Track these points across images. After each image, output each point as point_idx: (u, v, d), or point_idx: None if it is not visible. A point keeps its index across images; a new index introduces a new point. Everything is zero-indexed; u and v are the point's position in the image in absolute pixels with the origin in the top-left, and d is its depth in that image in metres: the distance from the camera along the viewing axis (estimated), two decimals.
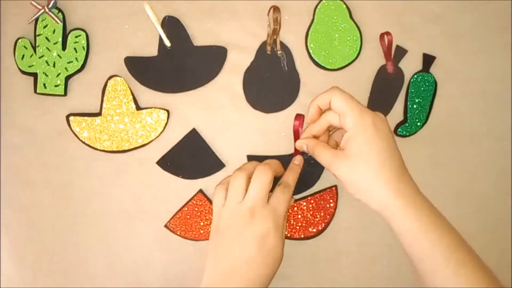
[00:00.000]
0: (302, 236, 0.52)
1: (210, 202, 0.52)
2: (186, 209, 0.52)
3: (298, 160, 0.49)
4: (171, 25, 0.52)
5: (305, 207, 0.52)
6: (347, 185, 0.43)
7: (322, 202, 0.52)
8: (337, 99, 0.43)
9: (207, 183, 0.52)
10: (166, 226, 0.52)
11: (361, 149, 0.42)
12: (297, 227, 0.52)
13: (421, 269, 0.41)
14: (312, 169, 0.52)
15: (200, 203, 0.52)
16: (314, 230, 0.52)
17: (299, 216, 0.52)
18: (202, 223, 0.52)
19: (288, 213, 0.52)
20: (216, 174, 0.52)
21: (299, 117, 0.48)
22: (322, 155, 0.44)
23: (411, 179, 0.44)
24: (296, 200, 0.52)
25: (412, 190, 0.43)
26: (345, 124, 0.43)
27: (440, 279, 0.40)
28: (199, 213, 0.52)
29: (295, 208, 0.52)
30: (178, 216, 0.52)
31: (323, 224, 0.52)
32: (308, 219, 0.52)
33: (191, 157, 0.52)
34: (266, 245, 0.42)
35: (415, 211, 0.41)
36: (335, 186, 0.52)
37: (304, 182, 0.52)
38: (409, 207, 0.41)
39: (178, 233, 0.52)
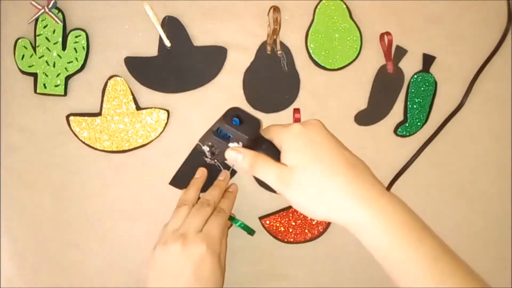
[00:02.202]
0: (305, 239, 0.52)
1: None
2: None
3: (222, 176, 0.49)
4: (171, 25, 0.52)
5: None
6: (299, 205, 0.39)
7: None
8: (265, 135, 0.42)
9: None
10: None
11: (301, 160, 0.38)
12: (298, 231, 0.52)
13: (400, 282, 0.37)
14: None
15: None
16: (315, 232, 0.52)
17: (300, 221, 0.52)
18: None
19: (289, 218, 0.52)
20: (230, 182, 0.52)
21: (298, 110, 0.49)
22: (264, 169, 0.40)
23: (374, 178, 0.39)
24: None
25: (378, 193, 0.37)
26: (277, 143, 0.41)
27: None
28: None
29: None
30: None
31: (324, 225, 0.52)
32: (309, 222, 0.52)
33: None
34: (203, 271, 0.40)
35: (384, 222, 0.36)
36: None
37: None
38: (376, 217, 0.36)
39: None
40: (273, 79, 0.52)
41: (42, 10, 0.51)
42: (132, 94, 0.52)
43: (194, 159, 0.51)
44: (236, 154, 0.41)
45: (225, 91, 0.53)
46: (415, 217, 0.39)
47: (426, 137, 0.53)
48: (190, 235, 0.42)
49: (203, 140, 0.45)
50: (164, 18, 0.52)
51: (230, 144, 0.42)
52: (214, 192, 0.47)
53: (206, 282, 0.41)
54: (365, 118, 0.53)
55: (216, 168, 0.50)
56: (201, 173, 0.50)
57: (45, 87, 0.52)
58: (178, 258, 0.41)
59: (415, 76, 0.53)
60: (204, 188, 0.50)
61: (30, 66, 0.52)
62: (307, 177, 0.38)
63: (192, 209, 0.45)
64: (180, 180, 0.52)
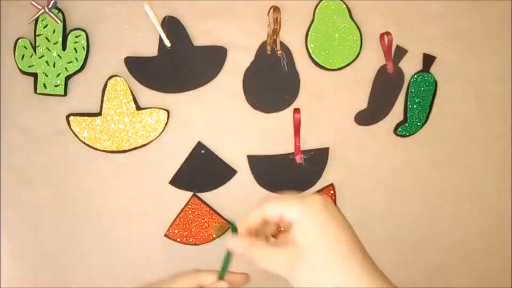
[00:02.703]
0: None
1: (206, 204, 0.52)
2: (181, 215, 0.52)
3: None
4: (171, 25, 0.52)
5: None
6: None
7: None
8: (271, 207, 0.34)
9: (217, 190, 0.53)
10: (166, 235, 0.53)
11: (318, 240, 0.32)
12: None
13: None
14: (313, 167, 0.52)
15: (196, 207, 0.52)
16: None
17: None
18: (194, 229, 0.52)
19: None
20: (230, 182, 0.52)
21: (298, 110, 0.49)
22: (265, 257, 0.34)
23: (377, 267, 0.35)
24: None
25: (386, 282, 0.34)
26: (289, 217, 0.33)
27: None
28: (196, 217, 0.52)
29: None
30: (176, 223, 0.52)
31: None
32: None
33: (201, 171, 0.52)
34: None
35: None
36: (331, 184, 0.52)
37: (305, 180, 0.52)
38: None
39: (179, 240, 0.52)
40: (273, 79, 0.52)
41: (42, 10, 0.51)
42: (132, 94, 0.52)
43: (194, 159, 0.51)
44: (234, 245, 0.36)
45: (225, 91, 0.53)
46: None
47: (426, 137, 0.53)
48: None
49: None
50: (164, 18, 0.52)
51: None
52: None
53: None
54: (365, 118, 0.53)
55: (217, 167, 0.51)
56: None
57: (45, 87, 0.52)
58: None
59: (415, 76, 0.52)
60: (206, 187, 0.50)
61: (30, 66, 0.52)
62: (324, 262, 0.32)
63: None
64: (180, 180, 0.52)
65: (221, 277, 0.40)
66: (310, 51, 0.52)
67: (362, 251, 0.34)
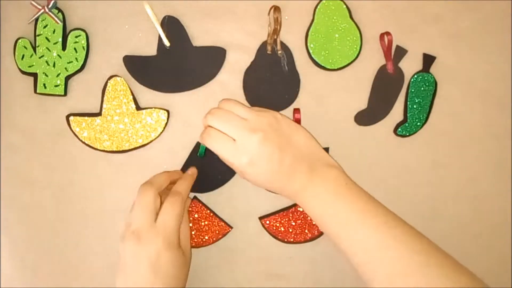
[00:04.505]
0: (305, 239, 0.52)
1: (206, 207, 0.52)
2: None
3: (191, 171, 0.49)
4: (171, 25, 0.52)
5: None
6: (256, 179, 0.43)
7: None
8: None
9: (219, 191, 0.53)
10: None
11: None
12: (298, 231, 0.52)
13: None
14: None
15: (195, 210, 0.52)
16: (316, 232, 0.52)
17: (300, 221, 0.52)
18: (194, 232, 0.52)
19: (289, 218, 0.52)
20: (230, 182, 0.52)
21: (298, 110, 0.49)
22: (221, 143, 0.43)
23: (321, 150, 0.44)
24: (294, 205, 0.52)
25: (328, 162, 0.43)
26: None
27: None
28: (196, 220, 0.52)
29: (295, 214, 0.52)
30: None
31: None
32: (309, 222, 0.52)
33: (201, 171, 0.51)
34: (160, 267, 0.40)
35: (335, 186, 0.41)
36: None
37: None
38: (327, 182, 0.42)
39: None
40: (273, 79, 0.52)
41: (42, 10, 0.51)
42: (132, 94, 0.52)
43: (195, 160, 0.51)
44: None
45: (225, 91, 0.53)
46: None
47: (426, 137, 0.53)
48: (143, 232, 0.41)
49: None
50: (164, 18, 0.52)
51: None
52: (182, 184, 0.47)
53: (166, 276, 0.40)
54: (365, 118, 0.53)
55: (218, 168, 0.51)
56: (192, 170, 0.50)
57: (45, 87, 0.52)
58: (135, 256, 0.41)
59: (415, 76, 0.53)
60: (199, 188, 0.50)
61: (30, 66, 0.52)
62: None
63: (165, 202, 0.44)
64: None
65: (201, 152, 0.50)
66: (310, 51, 0.52)
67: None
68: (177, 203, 0.43)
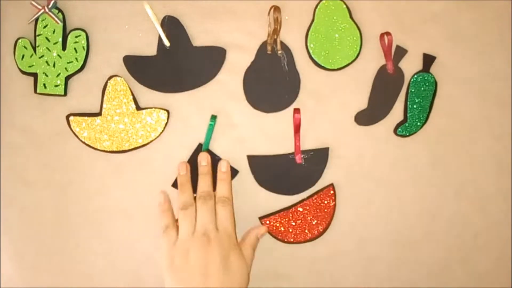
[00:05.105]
0: (305, 239, 0.52)
1: None
2: None
3: (225, 167, 0.50)
4: (171, 25, 0.52)
5: (306, 211, 0.52)
6: None
7: (321, 203, 0.52)
8: None
9: None
10: None
11: None
12: (298, 231, 0.52)
13: None
14: (313, 167, 0.52)
15: None
16: (315, 232, 0.52)
17: (300, 221, 0.52)
18: None
19: (289, 218, 0.52)
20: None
21: (298, 110, 0.49)
22: None
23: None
24: (294, 205, 0.52)
25: None
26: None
27: None
28: None
29: (295, 214, 0.52)
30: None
31: (324, 225, 0.52)
32: (309, 222, 0.52)
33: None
34: (230, 265, 0.44)
35: None
36: (332, 184, 0.52)
37: (305, 180, 0.52)
38: None
39: None
40: (273, 79, 0.52)
41: (42, 10, 0.51)
42: (132, 94, 0.52)
43: (195, 160, 0.51)
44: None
45: (226, 91, 0.53)
46: None
47: (426, 137, 0.53)
48: (211, 234, 0.45)
49: None
50: (164, 18, 0.52)
51: None
52: (206, 181, 0.48)
53: (235, 275, 0.44)
54: (365, 118, 0.53)
55: (214, 167, 0.51)
56: (185, 168, 0.50)
57: (45, 87, 0.52)
58: (204, 259, 0.43)
59: (415, 76, 0.53)
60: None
61: (30, 66, 0.52)
62: None
63: (198, 207, 0.46)
64: None
65: (205, 149, 0.51)
66: (310, 51, 0.52)
67: None
68: (228, 206, 0.47)
